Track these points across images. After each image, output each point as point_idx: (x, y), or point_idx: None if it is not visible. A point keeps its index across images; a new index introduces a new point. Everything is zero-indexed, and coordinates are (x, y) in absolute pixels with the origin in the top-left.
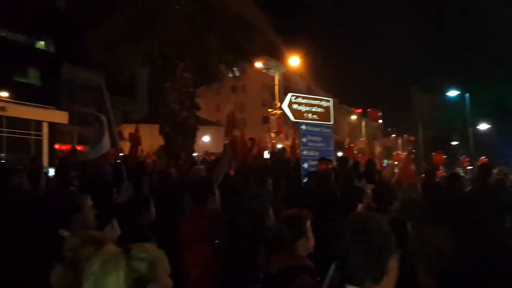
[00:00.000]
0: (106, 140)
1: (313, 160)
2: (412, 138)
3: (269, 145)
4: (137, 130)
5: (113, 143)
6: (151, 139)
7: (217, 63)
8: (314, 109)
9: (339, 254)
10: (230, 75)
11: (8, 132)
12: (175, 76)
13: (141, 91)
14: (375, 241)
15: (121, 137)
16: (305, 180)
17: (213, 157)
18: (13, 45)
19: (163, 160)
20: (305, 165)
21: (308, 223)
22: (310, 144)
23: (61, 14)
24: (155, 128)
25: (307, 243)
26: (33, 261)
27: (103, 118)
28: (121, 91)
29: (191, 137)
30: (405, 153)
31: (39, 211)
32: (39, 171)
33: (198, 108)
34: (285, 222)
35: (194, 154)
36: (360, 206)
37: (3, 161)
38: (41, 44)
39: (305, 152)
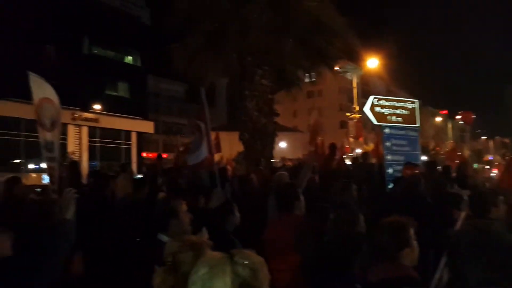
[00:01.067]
0: (205, 147)
1: (398, 165)
2: (507, 140)
3: (349, 150)
4: (217, 137)
5: (210, 150)
6: (230, 146)
7: (294, 68)
8: (398, 111)
9: (453, 267)
10: (307, 80)
11: (101, 142)
12: (254, 84)
13: (220, 100)
14: (498, 254)
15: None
16: (390, 186)
17: (290, 163)
18: (105, 61)
19: (243, 167)
20: (390, 170)
21: (411, 231)
22: (394, 148)
23: (147, 30)
24: (234, 135)
25: (413, 254)
26: (135, 264)
27: (202, 126)
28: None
29: (270, 143)
30: (506, 158)
31: (138, 216)
32: (142, 178)
33: (277, 115)
34: (386, 230)
35: (273, 160)
36: (461, 214)
37: (98, 169)
38: (129, 59)
39: (389, 157)
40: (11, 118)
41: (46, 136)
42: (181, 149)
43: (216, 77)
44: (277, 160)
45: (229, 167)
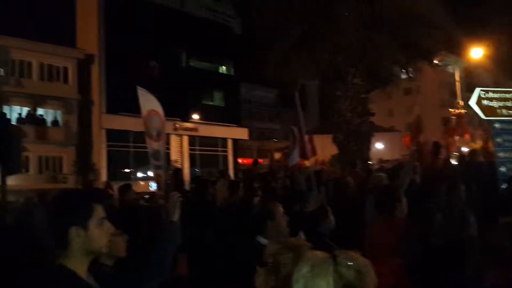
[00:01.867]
0: (297, 151)
1: (511, 162)
2: None
3: (454, 149)
4: (311, 140)
5: (303, 155)
6: (323, 149)
7: (389, 65)
8: (509, 103)
9: None
10: (403, 76)
11: (200, 150)
12: (346, 84)
13: (312, 102)
14: None
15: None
16: (503, 186)
17: (388, 165)
18: (201, 72)
19: (338, 169)
20: (503, 169)
21: None
22: (507, 144)
23: (238, 39)
24: (327, 138)
25: None
26: (236, 265)
27: (296, 130)
28: (292, 104)
29: (366, 144)
30: None
31: (238, 218)
32: (237, 182)
33: (371, 114)
34: (504, 232)
35: (369, 162)
36: None
37: (199, 175)
38: (223, 68)
39: (501, 154)
40: (121, 131)
41: (153, 145)
42: (275, 154)
43: (307, 79)
44: (374, 162)
45: (324, 170)
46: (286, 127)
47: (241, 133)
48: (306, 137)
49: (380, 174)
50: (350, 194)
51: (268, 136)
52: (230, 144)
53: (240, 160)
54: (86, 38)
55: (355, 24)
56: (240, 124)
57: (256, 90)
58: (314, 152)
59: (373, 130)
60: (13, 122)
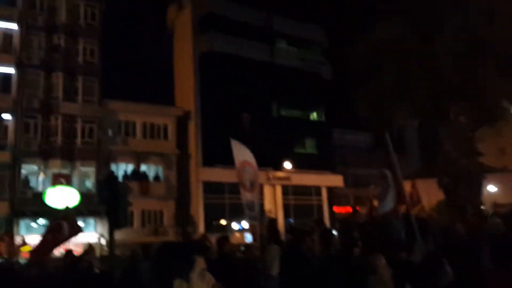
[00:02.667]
0: (391, 196)
1: None
2: None
3: None
4: (414, 186)
5: (401, 200)
6: (427, 194)
7: (497, 98)
8: None
9: None
10: None
11: (294, 199)
12: (449, 122)
13: (411, 144)
14: None
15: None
16: None
17: (504, 209)
18: (292, 121)
19: (445, 216)
20: None
21: None
22: None
23: (328, 85)
24: (431, 182)
25: None
26: None
27: (388, 174)
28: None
29: (476, 187)
30: None
31: (332, 272)
32: (329, 232)
33: (480, 154)
34: None
35: (482, 207)
36: None
37: (294, 225)
38: (314, 115)
39: None
40: (217, 183)
41: (248, 196)
42: (374, 201)
43: (405, 120)
44: (487, 207)
45: (429, 217)
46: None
47: (336, 180)
48: (409, 183)
49: (495, 220)
50: (462, 244)
51: (365, 183)
52: (324, 192)
53: (336, 209)
54: (183, 96)
55: (456, 58)
56: (334, 171)
57: (349, 134)
58: (418, 200)
59: (484, 171)
60: (120, 179)
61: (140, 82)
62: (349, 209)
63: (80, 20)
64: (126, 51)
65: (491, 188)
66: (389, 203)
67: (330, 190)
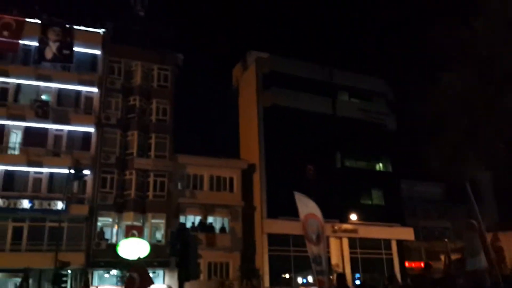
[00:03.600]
0: (480, 251)
1: None
2: None
3: None
4: (496, 239)
5: (489, 254)
6: (508, 248)
7: None
8: None
9: None
10: None
11: (361, 253)
12: None
13: (486, 196)
14: None
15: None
16: None
17: None
18: (356, 172)
19: None
20: None
21: None
22: None
23: (394, 135)
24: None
25: None
26: None
27: (476, 224)
28: (462, 199)
29: None
30: None
31: None
32: None
33: None
34: None
35: None
36: None
37: (363, 281)
38: (380, 166)
39: None
40: (281, 235)
41: (313, 249)
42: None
43: (478, 171)
44: None
45: None
46: (458, 225)
47: (406, 233)
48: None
49: None
50: None
51: (437, 236)
52: (394, 245)
53: (407, 264)
54: (248, 149)
55: None
56: (403, 223)
57: (419, 185)
58: (503, 255)
59: None
60: (191, 230)
61: (207, 137)
62: (421, 264)
63: (153, 82)
64: (194, 108)
65: None
66: (483, 259)
67: (400, 243)
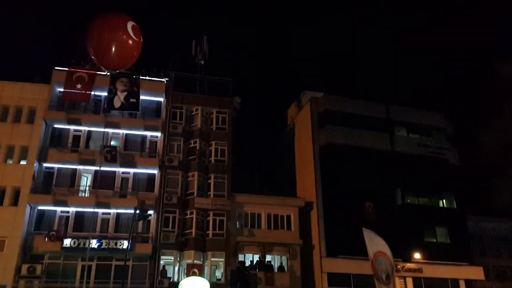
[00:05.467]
0: None
1: None
2: None
3: None
4: None
5: None
6: None
7: None
8: None
9: None
10: None
11: None
12: None
13: None
14: None
15: None
16: None
17: None
18: (419, 208)
19: None
20: None
21: None
22: None
23: (457, 170)
24: None
25: None
26: None
27: None
28: None
29: None
30: None
31: None
32: None
33: None
34: None
35: None
36: None
37: None
38: (443, 202)
39: None
40: (341, 274)
41: None
42: None
43: None
44: None
45: None
46: None
47: (475, 273)
48: None
49: None
50: None
51: (510, 275)
52: (462, 285)
53: None
54: (305, 187)
55: None
56: (472, 262)
57: (487, 222)
58: None
59: None
60: (250, 269)
61: (265, 176)
62: None
63: (212, 126)
64: (252, 149)
65: None
66: None
67: (469, 283)
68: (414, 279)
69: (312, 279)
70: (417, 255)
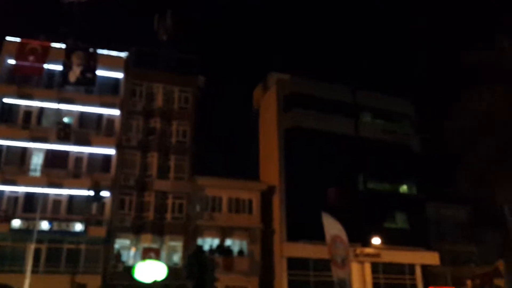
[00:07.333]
0: None
1: None
2: None
3: None
4: None
5: None
6: None
7: None
8: None
9: None
10: None
11: (384, 278)
12: None
13: None
14: None
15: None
16: None
17: None
18: (380, 194)
19: None
20: None
21: None
22: None
23: (419, 157)
24: None
25: None
26: None
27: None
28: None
29: None
30: None
31: None
32: None
33: None
34: None
35: None
36: None
37: None
38: (404, 188)
39: None
40: (301, 259)
41: (339, 273)
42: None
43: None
44: None
45: None
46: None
47: (431, 258)
48: None
49: None
50: None
51: (464, 261)
52: (418, 270)
53: None
54: (268, 171)
55: None
56: (428, 248)
57: (446, 209)
58: None
59: None
60: (209, 253)
61: (227, 159)
62: None
63: (174, 105)
64: (215, 130)
65: None
66: None
67: (425, 268)
68: (372, 264)
69: (272, 264)
70: (376, 240)
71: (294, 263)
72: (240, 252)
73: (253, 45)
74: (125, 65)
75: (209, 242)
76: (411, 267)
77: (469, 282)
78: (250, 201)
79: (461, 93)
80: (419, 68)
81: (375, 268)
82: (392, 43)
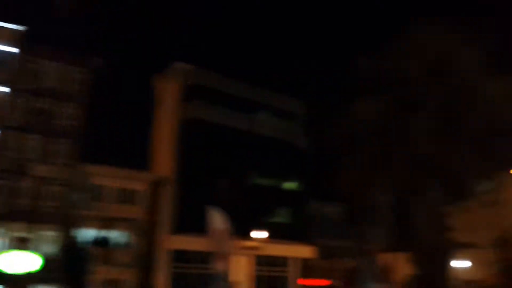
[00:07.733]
0: (370, 274)
1: None
2: None
3: None
4: (386, 260)
5: (380, 278)
6: (398, 268)
7: (470, 177)
8: None
9: None
10: (485, 188)
11: (267, 270)
12: (423, 197)
13: (384, 218)
14: None
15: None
16: None
17: (475, 284)
18: (266, 189)
19: None
20: None
21: None
22: None
23: (306, 156)
24: (399, 256)
25: None
26: None
27: (366, 247)
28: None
29: (446, 263)
30: None
31: None
32: None
33: (451, 230)
34: None
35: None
36: None
37: None
38: (288, 185)
39: None
40: (186, 252)
41: (222, 266)
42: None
43: (381, 194)
44: (459, 282)
45: None
46: (355, 245)
47: (309, 252)
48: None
49: None
50: None
51: (338, 255)
52: (299, 263)
53: (304, 281)
54: (161, 162)
55: (433, 136)
56: (307, 242)
57: (327, 206)
58: (387, 275)
59: (456, 247)
60: (84, 245)
61: (119, 147)
62: (321, 281)
63: (67, 86)
64: (109, 116)
65: (463, 263)
66: (371, 281)
67: (305, 261)
68: (257, 257)
69: (155, 256)
70: (257, 234)
71: (180, 256)
72: (123, 244)
73: (157, 34)
74: (17, 39)
75: (90, 233)
76: (293, 260)
77: (336, 275)
78: (139, 192)
79: (351, 100)
80: (316, 72)
81: (259, 260)
82: (294, 43)
